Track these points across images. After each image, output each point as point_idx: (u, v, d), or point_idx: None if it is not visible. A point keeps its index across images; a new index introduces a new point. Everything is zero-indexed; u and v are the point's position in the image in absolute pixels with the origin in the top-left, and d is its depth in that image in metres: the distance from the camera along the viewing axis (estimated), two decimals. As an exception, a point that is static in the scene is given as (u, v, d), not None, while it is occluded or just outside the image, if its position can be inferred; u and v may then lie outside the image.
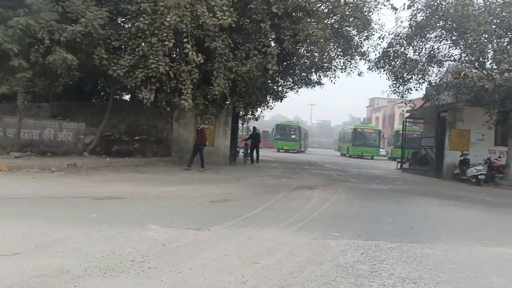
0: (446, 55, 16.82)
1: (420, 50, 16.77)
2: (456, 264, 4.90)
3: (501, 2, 15.10)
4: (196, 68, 13.45)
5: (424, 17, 15.54)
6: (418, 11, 15.65)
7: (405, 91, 17.70)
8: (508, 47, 15.07)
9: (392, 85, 17.87)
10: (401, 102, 19.49)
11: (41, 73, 14.10)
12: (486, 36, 15.11)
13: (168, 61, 13.30)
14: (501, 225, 8.27)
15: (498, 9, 14.92)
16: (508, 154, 16.27)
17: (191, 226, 5.93)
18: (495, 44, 15.37)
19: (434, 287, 4.02)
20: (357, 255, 4.97)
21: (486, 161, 16.41)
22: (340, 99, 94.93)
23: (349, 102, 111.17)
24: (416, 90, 17.90)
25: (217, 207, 7.96)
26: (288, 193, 10.20)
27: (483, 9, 14.88)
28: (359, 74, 19.90)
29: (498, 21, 14.99)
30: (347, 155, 42.64)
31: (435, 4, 14.81)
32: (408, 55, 16.88)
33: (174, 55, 14.50)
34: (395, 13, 16.20)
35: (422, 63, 16.46)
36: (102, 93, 22.48)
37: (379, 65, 17.84)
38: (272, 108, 23.17)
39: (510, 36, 15.19)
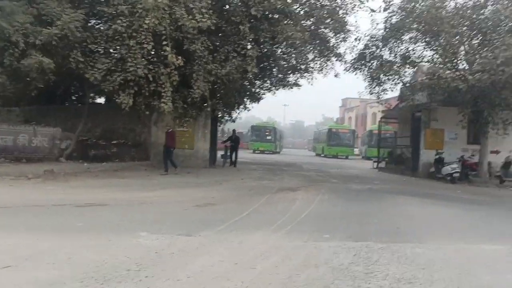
0: (420, 56, 17.25)
1: (396, 51, 17.15)
2: (446, 262, 5.01)
3: (472, 4, 15.59)
4: (175, 70, 13.33)
5: (399, 19, 15.89)
6: (394, 13, 16.01)
7: (381, 91, 18.06)
8: (479, 48, 15.55)
9: (368, 86, 18.21)
10: (377, 102, 19.86)
11: (13, 76, 13.67)
12: (458, 37, 15.56)
13: (146, 64, 13.12)
14: (480, 222, 8.52)
15: (469, 11, 15.39)
16: (480, 152, 16.81)
17: (181, 231, 5.86)
18: (467, 46, 15.82)
19: (430, 287, 4.10)
20: (350, 256, 5.02)
21: (460, 159, 16.90)
22: (312, 99, 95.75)
23: (321, 102, 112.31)
24: (392, 90, 18.31)
25: (203, 211, 7.91)
26: (272, 196, 10.22)
27: (455, 12, 15.31)
28: (335, 75, 20.17)
29: (469, 23, 15.44)
30: (322, 155, 43.04)
31: (410, 6, 15.16)
32: (384, 57, 17.23)
33: (153, 58, 14.31)
34: (371, 15, 16.53)
35: (397, 64, 16.81)
36: (74, 97, 21.97)
37: (355, 66, 18.12)
38: (250, 109, 23.27)
39: (480, 37, 15.66)
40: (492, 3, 15.23)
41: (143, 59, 13.00)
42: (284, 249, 5.24)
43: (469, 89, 14.06)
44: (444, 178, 16.45)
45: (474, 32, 15.59)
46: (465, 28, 15.52)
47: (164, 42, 12.71)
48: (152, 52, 14.14)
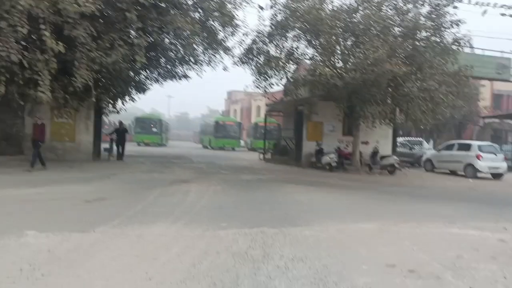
0: (303, 53, 18.36)
1: (281, 48, 17.99)
2: (331, 241, 5.60)
3: (346, 8, 17.04)
4: (54, 57, 12.32)
5: (283, 18, 16.72)
6: (279, 11, 16.79)
7: (268, 85, 18.83)
8: (352, 49, 17.10)
9: (256, 80, 18.84)
10: (263, 96, 20.63)
11: None
12: (335, 38, 16.91)
13: (21, 49, 11.90)
14: (356, 205, 9.50)
15: (343, 14, 16.80)
16: (353, 143, 18.60)
17: (73, 228, 5.59)
18: (342, 46, 17.28)
19: (319, 263, 4.56)
20: (247, 242, 5.31)
21: (336, 149, 18.53)
22: (198, 91, 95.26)
23: (207, 94, 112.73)
24: (277, 85, 19.22)
25: (94, 207, 7.56)
26: (165, 188, 10.14)
27: (332, 14, 16.59)
28: (224, 69, 20.45)
29: (344, 25, 16.87)
30: (209, 147, 43.39)
31: (294, 6, 16.06)
32: (270, 52, 17.96)
33: (28, 43, 13.02)
34: (259, 11, 17.08)
35: (283, 60, 17.68)
36: None
37: (243, 61, 18.61)
38: (135, 100, 22.46)
39: (353, 39, 17.22)
40: (363, 8, 16.82)
41: (17, 43, 11.78)
42: (185, 239, 5.33)
43: (345, 85, 15.41)
44: (324, 167, 17.90)
45: (348, 34, 17.06)
46: (340, 29, 16.90)
47: (42, 26, 11.65)
48: (26, 36, 12.89)
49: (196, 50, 18.19)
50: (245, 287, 3.75)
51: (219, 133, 42.20)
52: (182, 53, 18.71)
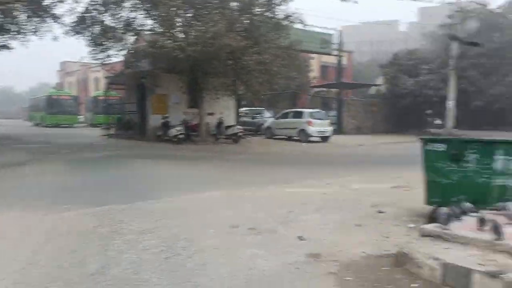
0: (142, 24, 17.76)
1: (118, 18, 17.09)
2: (180, 211, 5.86)
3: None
4: None
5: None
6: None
7: (106, 57, 17.83)
8: (193, 22, 17.21)
9: (92, 51, 17.66)
10: (102, 68, 19.47)
11: None
12: (175, 9, 16.74)
13: None
14: (203, 175, 9.95)
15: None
16: (199, 115, 19.02)
17: None
18: (182, 18, 17.24)
19: (168, 232, 4.78)
20: (94, 221, 5.23)
21: (182, 122, 18.71)
22: (24, 62, 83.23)
23: (36, 65, 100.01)
24: (116, 57, 18.33)
25: None
26: (-6, 173, 9.09)
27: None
28: (54, 39, 18.63)
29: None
30: (42, 124, 39.25)
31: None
32: (105, 22, 16.95)
33: None
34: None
35: (121, 31, 16.89)
36: None
37: (76, 30, 17.21)
38: None
39: (193, 12, 17.30)
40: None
41: None
42: (23, 224, 5.00)
43: (187, 58, 15.50)
44: (171, 139, 17.94)
45: (187, 6, 17.04)
46: (179, 1, 16.76)
47: None
48: None
49: (18, 17, 16.23)
50: (95, 264, 3.75)
51: (53, 108, 38.34)
52: (1, 20, 16.47)
